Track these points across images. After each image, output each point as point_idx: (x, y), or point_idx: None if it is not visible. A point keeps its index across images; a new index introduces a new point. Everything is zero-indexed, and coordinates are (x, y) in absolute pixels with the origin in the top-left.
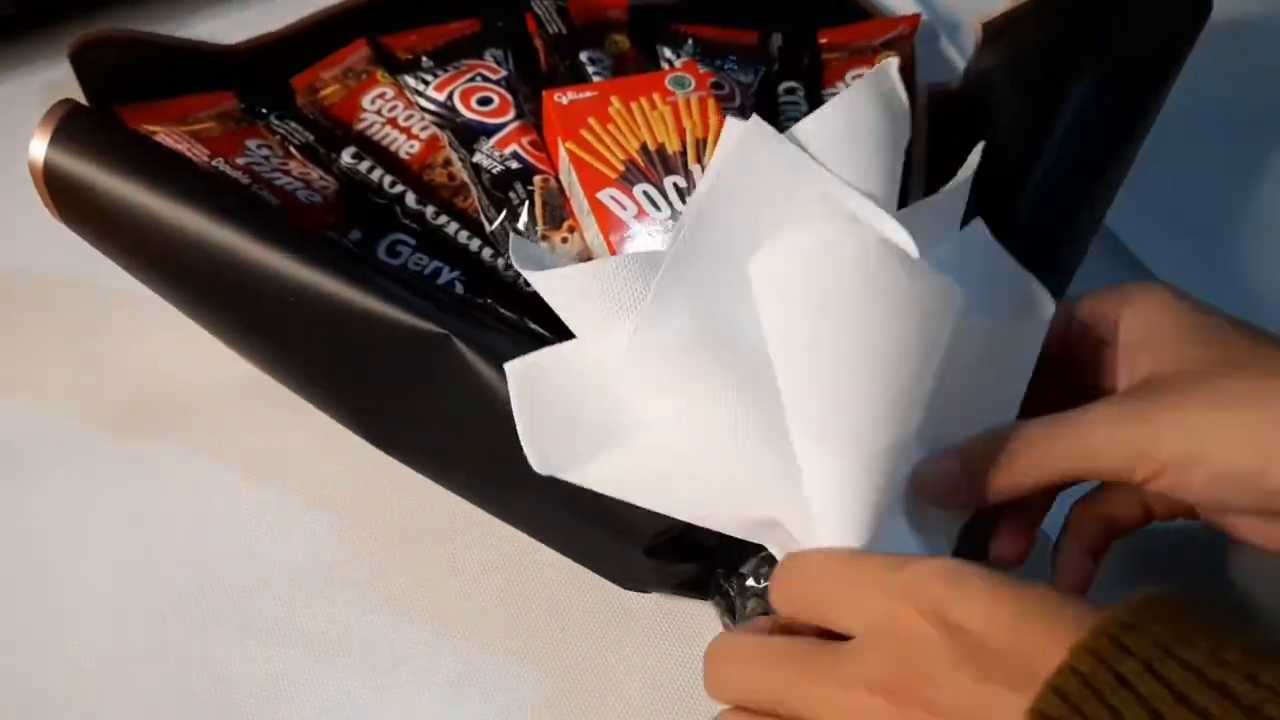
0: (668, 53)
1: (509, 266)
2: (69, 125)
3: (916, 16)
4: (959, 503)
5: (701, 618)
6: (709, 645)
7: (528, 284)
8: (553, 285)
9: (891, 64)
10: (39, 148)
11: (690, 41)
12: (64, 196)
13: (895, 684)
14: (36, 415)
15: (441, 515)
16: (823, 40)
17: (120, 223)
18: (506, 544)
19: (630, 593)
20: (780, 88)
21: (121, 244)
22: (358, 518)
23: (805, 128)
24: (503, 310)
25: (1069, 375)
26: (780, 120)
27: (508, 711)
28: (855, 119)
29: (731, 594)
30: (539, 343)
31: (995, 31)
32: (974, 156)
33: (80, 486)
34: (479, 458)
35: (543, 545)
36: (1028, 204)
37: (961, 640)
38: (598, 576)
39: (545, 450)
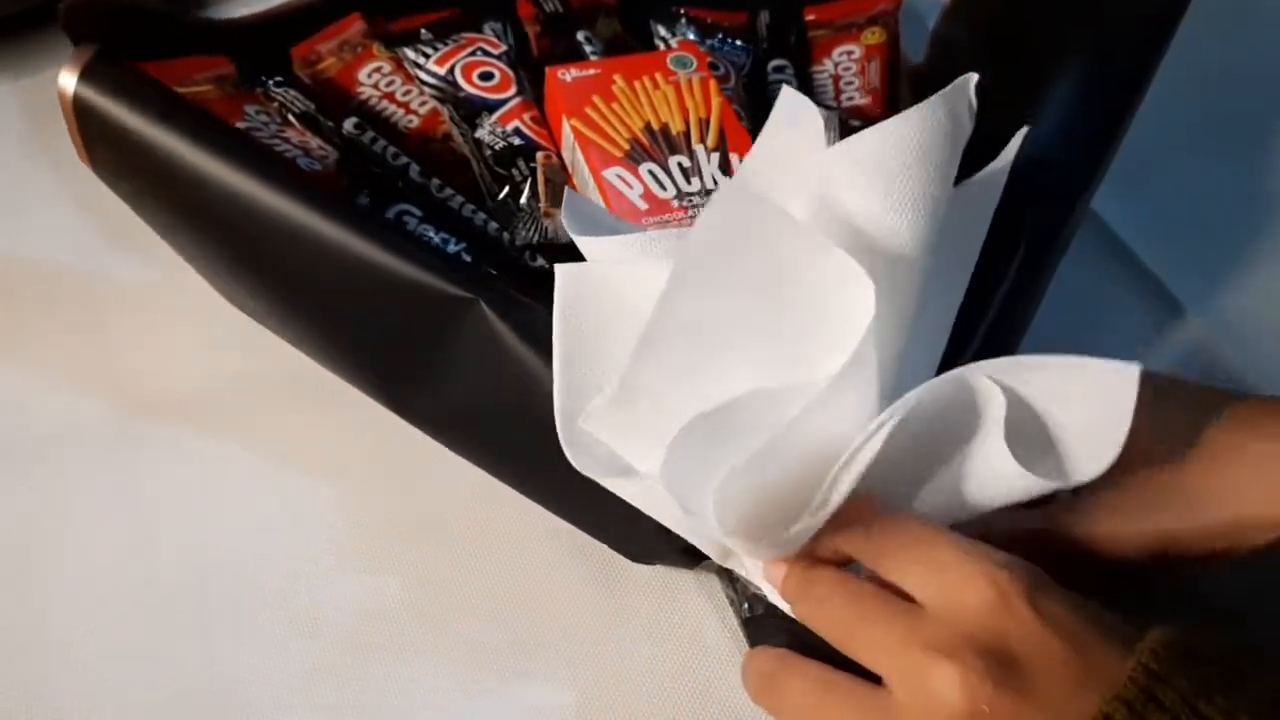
0: (662, 30)
1: (514, 241)
2: (98, 64)
3: None
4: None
5: (702, 619)
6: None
7: (533, 259)
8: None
9: (970, 79)
10: (68, 80)
11: (684, 20)
12: (93, 132)
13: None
14: (36, 410)
15: (451, 511)
16: (809, 17)
17: (149, 166)
18: (514, 542)
19: (632, 594)
20: (769, 65)
21: (147, 188)
22: (365, 511)
23: (872, 137)
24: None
25: None
26: (767, 99)
27: (508, 712)
28: (928, 131)
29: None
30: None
31: None
32: (1016, 140)
33: (81, 481)
34: (498, 423)
35: (548, 548)
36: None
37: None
38: (600, 576)
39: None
